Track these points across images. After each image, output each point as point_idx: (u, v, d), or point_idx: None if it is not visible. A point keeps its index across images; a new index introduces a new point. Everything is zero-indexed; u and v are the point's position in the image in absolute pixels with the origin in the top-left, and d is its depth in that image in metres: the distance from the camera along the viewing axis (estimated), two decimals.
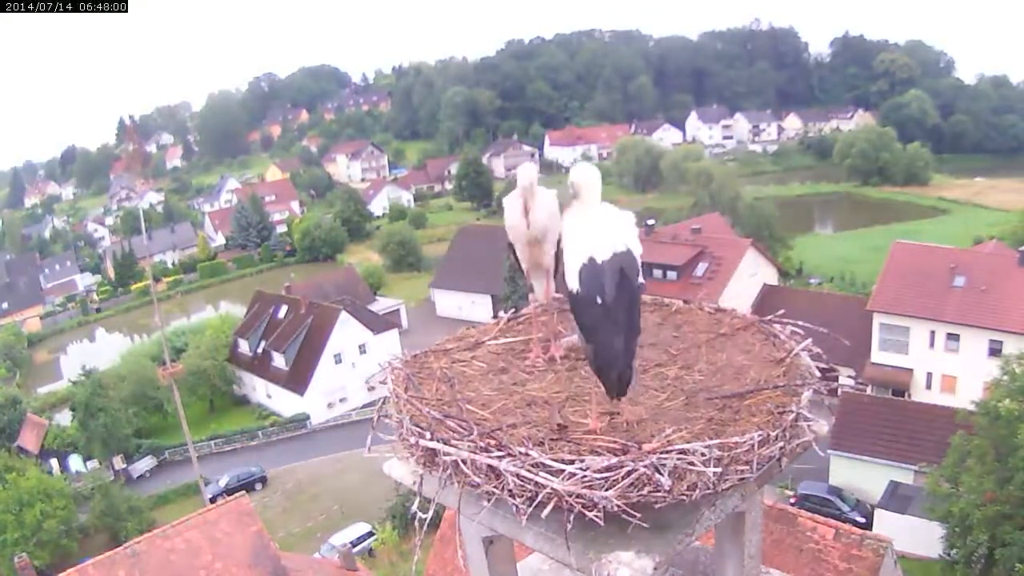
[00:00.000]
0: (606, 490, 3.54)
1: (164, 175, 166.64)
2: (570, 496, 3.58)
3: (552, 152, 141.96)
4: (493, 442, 3.90)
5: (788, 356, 4.88)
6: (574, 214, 4.22)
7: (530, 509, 3.69)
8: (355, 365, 47.68)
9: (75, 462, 44.92)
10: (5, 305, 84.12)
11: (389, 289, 71.34)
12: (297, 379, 48.59)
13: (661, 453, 3.64)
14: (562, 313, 6.01)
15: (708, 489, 3.72)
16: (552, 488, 3.61)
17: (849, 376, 39.00)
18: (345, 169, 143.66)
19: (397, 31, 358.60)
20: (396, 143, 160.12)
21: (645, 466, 3.60)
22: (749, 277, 45.82)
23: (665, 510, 3.68)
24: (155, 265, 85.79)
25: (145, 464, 44.60)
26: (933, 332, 37.98)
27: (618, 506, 3.51)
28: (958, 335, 37.32)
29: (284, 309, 52.89)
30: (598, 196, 4.23)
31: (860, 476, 31.52)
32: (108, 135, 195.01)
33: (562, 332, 5.49)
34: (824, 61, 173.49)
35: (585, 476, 3.59)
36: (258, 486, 39.53)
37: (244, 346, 52.38)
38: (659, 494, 3.61)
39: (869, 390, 38.36)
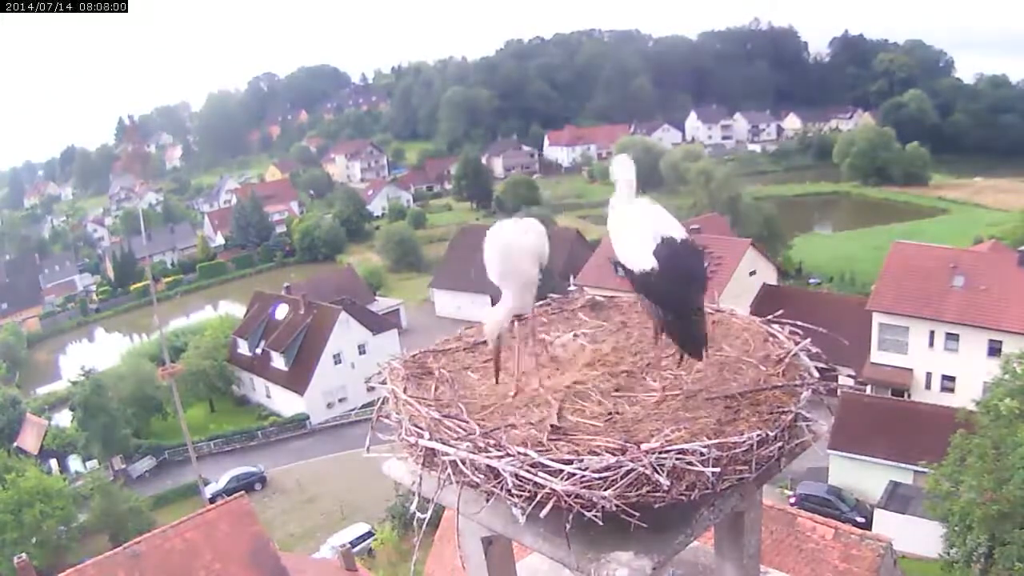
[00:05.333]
0: (605, 490, 3.53)
1: (164, 175, 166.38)
2: (569, 496, 3.57)
3: (552, 152, 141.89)
4: (492, 442, 3.89)
5: (787, 356, 4.87)
6: None
7: (529, 509, 3.68)
8: (355, 365, 47.67)
9: (75, 462, 44.93)
10: (4, 305, 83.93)
11: (389, 289, 71.31)
12: (297, 379, 48.59)
13: (660, 453, 3.64)
14: (557, 314, 6.00)
15: (707, 489, 3.72)
16: (551, 488, 3.60)
17: (849, 376, 38.98)
18: (345, 169, 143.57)
19: (397, 31, 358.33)
20: (396, 143, 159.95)
21: (644, 466, 3.59)
22: (748, 277, 45.84)
23: (664, 510, 3.67)
24: (154, 265, 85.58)
25: (145, 464, 44.60)
26: (932, 332, 37.97)
27: (617, 506, 3.51)
28: (957, 335, 37.32)
29: (284, 309, 52.89)
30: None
31: (860, 476, 31.53)
32: (108, 135, 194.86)
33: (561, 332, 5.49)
34: (824, 61, 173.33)
35: (584, 476, 3.58)
36: (258, 486, 39.53)
37: (244, 346, 52.36)
38: (658, 494, 3.60)
39: (869, 390, 38.35)
